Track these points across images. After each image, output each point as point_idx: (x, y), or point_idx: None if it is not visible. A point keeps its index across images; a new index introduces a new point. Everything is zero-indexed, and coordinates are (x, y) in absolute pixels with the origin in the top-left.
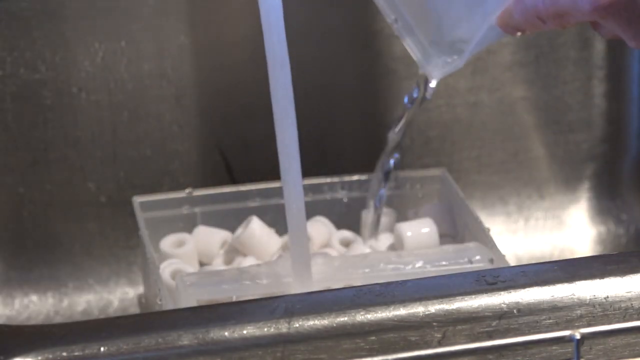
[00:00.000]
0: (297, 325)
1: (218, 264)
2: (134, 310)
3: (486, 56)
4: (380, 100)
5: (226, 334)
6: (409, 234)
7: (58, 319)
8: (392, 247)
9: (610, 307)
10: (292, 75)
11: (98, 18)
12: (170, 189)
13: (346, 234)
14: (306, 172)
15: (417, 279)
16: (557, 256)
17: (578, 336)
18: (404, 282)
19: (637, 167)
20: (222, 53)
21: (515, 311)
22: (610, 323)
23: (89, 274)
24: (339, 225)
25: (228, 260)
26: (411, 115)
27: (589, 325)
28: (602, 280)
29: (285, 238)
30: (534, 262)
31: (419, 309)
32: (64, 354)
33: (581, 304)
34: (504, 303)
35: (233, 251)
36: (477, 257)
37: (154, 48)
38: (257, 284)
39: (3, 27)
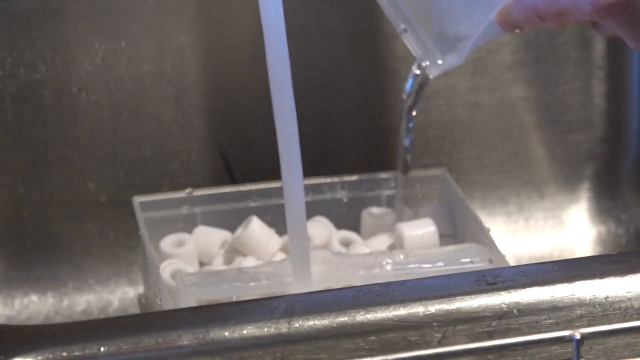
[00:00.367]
0: (297, 325)
1: (218, 264)
2: (134, 310)
3: (486, 56)
4: (380, 101)
5: (226, 334)
6: (409, 234)
7: (58, 319)
8: (392, 247)
9: (610, 307)
10: (292, 75)
11: (98, 18)
12: (170, 189)
13: (346, 234)
14: (306, 172)
15: (417, 279)
16: (557, 256)
17: (578, 336)
18: (404, 282)
19: (637, 167)
20: (222, 53)
21: (515, 311)
22: (610, 323)
23: (89, 274)
24: (339, 225)
25: (228, 260)
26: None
27: (589, 325)
28: (602, 280)
29: (285, 238)
30: (534, 262)
31: (419, 309)
32: (64, 354)
33: (581, 304)
34: (504, 303)
35: (233, 251)
36: (477, 258)
37: (154, 48)
38: (257, 284)
39: (3, 27)
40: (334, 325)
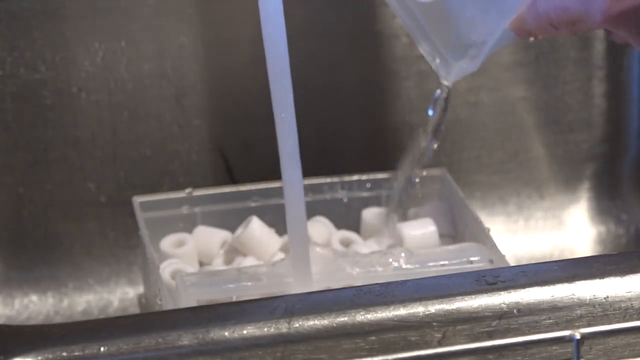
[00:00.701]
0: (297, 325)
1: (218, 264)
2: (134, 310)
3: None
4: (380, 101)
5: (226, 334)
6: (409, 234)
7: (58, 319)
8: (392, 247)
9: (610, 307)
10: (292, 75)
11: (98, 18)
12: (170, 189)
13: (346, 234)
14: (306, 172)
15: (417, 279)
16: (557, 256)
17: (578, 336)
18: (404, 282)
19: (637, 167)
20: (223, 53)
21: (515, 311)
22: (610, 323)
23: (89, 274)
24: (339, 225)
25: (228, 260)
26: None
27: (589, 325)
28: (602, 280)
29: (285, 238)
30: (534, 262)
31: (419, 309)
32: (64, 354)
33: (581, 304)
34: (504, 303)
35: (233, 251)
36: (477, 257)
37: (154, 48)
38: (257, 284)
39: (3, 27)
40: (334, 325)
